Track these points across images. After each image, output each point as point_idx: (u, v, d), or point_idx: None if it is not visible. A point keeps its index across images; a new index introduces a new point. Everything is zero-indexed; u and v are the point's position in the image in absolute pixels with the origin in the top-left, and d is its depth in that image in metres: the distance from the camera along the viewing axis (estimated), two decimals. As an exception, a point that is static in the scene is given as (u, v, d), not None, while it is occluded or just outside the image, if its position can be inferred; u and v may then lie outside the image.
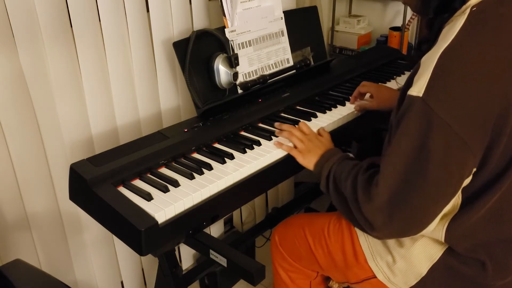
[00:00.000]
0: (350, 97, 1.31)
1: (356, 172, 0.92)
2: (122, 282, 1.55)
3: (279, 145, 1.08)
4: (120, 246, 1.47)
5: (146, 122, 1.39)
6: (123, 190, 0.93)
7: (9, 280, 0.86)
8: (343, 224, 1.08)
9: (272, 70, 1.41)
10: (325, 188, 1.00)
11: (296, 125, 1.14)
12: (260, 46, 1.39)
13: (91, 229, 1.38)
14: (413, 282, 0.97)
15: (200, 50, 1.25)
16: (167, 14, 1.33)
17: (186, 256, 1.73)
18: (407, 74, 0.89)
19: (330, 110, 1.27)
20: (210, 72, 1.28)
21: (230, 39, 1.30)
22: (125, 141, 1.24)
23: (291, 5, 1.61)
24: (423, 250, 0.95)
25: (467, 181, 0.83)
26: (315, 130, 1.14)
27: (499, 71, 0.76)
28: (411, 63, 0.89)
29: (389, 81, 1.48)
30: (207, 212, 0.94)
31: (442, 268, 0.94)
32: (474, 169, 0.82)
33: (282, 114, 1.26)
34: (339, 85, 1.44)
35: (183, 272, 1.34)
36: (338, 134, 1.22)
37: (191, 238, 1.04)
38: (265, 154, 1.05)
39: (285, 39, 1.46)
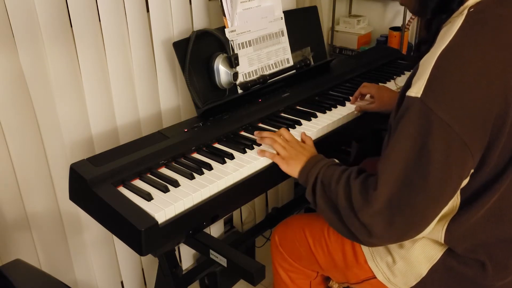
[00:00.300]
0: (351, 98, 1.31)
1: (347, 177, 0.89)
2: (122, 282, 1.55)
3: (262, 153, 1.04)
4: (120, 246, 1.48)
5: (146, 122, 1.39)
6: (123, 190, 0.93)
7: (9, 280, 0.86)
8: (343, 224, 1.08)
9: (272, 70, 1.41)
10: (311, 196, 0.95)
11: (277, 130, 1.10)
12: (260, 46, 1.39)
13: (91, 229, 1.38)
14: (413, 283, 0.97)
15: (200, 50, 1.25)
16: (167, 14, 1.33)
17: (186, 256, 1.74)
18: (407, 74, 0.89)
19: (330, 110, 1.27)
20: (210, 72, 1.28)
21: (230, 39, 1.30)
22: (125, 141, 1.24)
23: (291, 5, 1.61)
24: (423, 251, 0.95)
25: (465, 182, 0.83)
26: (310, 133, 1.13)
27: (498, 71, 0.76)
28: (411, 63, 0.88)
29: (389, 81, 1.48)
30: (207, 212, 0.94)
31: (442, 269, 0.94)
32: (472, 170, 0.82)
33: (282, 114, 1.26)
34: (339, 85, 1.44)
35: (183, 272, 1.34)
36: (338, 134, 1.22)
37: (191, 238, 1.04)
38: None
39: (285, 39, 1.46)
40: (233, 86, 1.31)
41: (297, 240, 1.16)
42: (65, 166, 1.23)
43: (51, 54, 1.14)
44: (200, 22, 1.41)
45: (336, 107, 1.29)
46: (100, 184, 0.92)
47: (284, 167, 1.01)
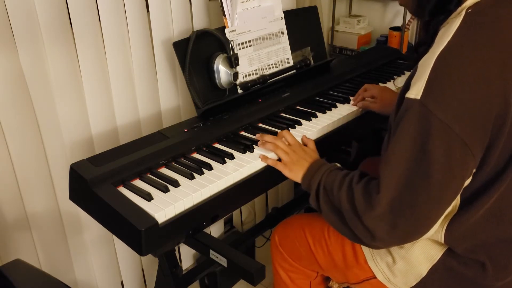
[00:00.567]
0: (351, 98, 1.31)
1: (349, 181, 0.89)
2: (122, 282, 1.55)
3: (264, 158, 1.04)
4: (120, 246, 1.48)
5: (146, 122, 1.39)
6: (123, 190, 0.93)
7: (9, 280, 0.86)
8: (343, 224, 1.08)
9: (272, 70, 1.41)
10: (315, 202, 0.96)
11: (280, 131, 1.09)
12: (260, 46, 1.39)
13: (91, 229, 1.38)
14: (413, 283, 0.97)
15: (200, 50, 1.25)
16: (167, 14, 1.33)
17: (186, 256, 1.74)
18: (407, 74, 0.89)
19: (330, 110, 1.27)
20: (210, 72, 1.28)
21: (230, 39, 1.30)
22: (125, 141, 1.24)
23: (291, 5, 1.61)
24: (423, 251, 0.95)
25: (466, 182, 0.83)
26: (310, 133, 1.13)
27: (497, 71, 0.76)
28: (411, 64, 0.88)
29: (389, 81, 1.48)
30: (207, 212, 0.94)
31: (442, 269, 0.94)
32: (474, 170, 0.82)
33: (282, 114, 1.26)
34: (339, 85, 1.44)
35: (183, 272, 1.34)
36: (338, 134, 1.22)
37: (191, 238, 1.04)
38: (265, 154, 1.05)
39: (285, 39, 1.46)
40: (233, 86, 1.31)
41: (297, 240, 1.16)
42: (65, 166, 1.23)
43: (51, 54, 1.14)
44: (200, 22, 1.41)
45: (336, 107, 1.29)
46: (100, 184, 0.92)
47: (287, 173, 1.01)
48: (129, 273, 1.54)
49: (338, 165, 1.01)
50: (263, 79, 1.36)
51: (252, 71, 1.36)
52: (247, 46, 1.35)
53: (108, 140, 1.32)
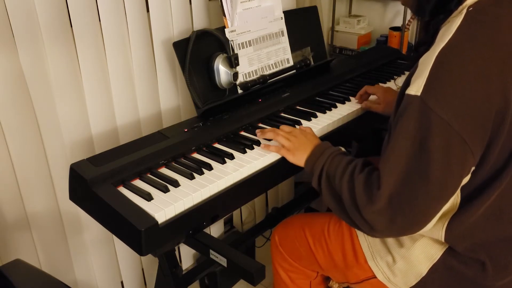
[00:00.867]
0: (352, 98, 1.31)
1: (352, 171, 0.90)
2: (122, 282, 1.55)
3: (267, 146, 1.06)
4: (120, 246, 1.48)
5: (146, 122, 1.39)
6: (123, 190, 0.93)
7: (9, 280, 0.86)
8: (343, 224, 1.08)
9: (272, 70, 1.41)
10: (317, 185, 0.97)
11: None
12: (260, 46, 1.39)
13: (91, 229, 1.38)
14: (413, 282, 0.97)
15: (200, 50, 1.25)
16: (167, 14, 1.33)
17: (186, 256, 1.74)
18: (407, 74, 0.90)
19: (330, 110, 1.27)
20: (210, 72, 1.28)
21: (230, 39, 1.30)
22: (125, 141, 1.24)
23: (291, 5, 1.61)
24: (423, 250, 0.95)
25: (465, 180, 0.83)
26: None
27: (496, 70, 0.77)
28: (411, 64, 0.89)
29: (389, 81, 1.48)
30: (207, 212, 0.94)
31: (442, 268, 0.94)
32: (473, 168, 0.82)
33: (282, 114, 1.26)
34: (339, 85, 1.44)
35: (183, 272, 1.33)
36: (338, 134, 1.22)
37: (191, 238, 1.04)
38: (265, 154, 1.05)
39: (285, 39, 1.46)
40: (233, 86, 1.31)
41: (297, 240, 1.16)
42: (65, 166, 1.23)
43: (51, 54, 1.14)
44: (200, 22, 1.41)
45: (336, 107, 1.29)
46: (100, 184, 0.92)
47: (291, 158, 1.03)
48: (129, 273, 1.54)
49: (343, 149, 1.01)
50: (263, 79, 1.36)
51: (252, 71, 1.36)
52: (247, 46, 1.35)
53: (108, 140, 1.32)
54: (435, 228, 0.89)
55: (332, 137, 1.20)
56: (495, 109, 0.77)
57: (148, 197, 0.89)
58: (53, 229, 1.31)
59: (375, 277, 1.02)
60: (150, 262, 1.59)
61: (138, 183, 0.96)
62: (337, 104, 1.30)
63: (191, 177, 0.96)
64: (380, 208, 0.82)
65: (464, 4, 0.83)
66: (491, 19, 0.80)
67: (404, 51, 1.91)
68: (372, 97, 1.30)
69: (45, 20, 1.10)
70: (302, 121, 1.20)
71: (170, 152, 1.04)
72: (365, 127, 1.37)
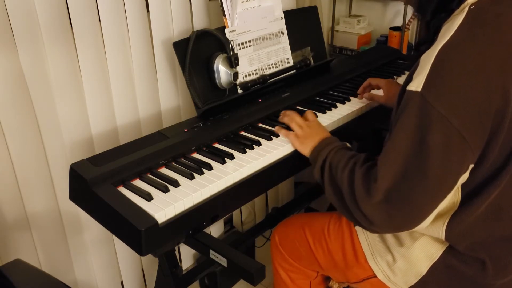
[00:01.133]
0: (358, 91, 1.32)
1: (353, 165, 0.90)
2: (122, 282, 1.55)
3: (278, 129, 1.11)
4: (120, 246, 1.48)
5: (146, 122, 1.39)
6: (123, 190, 0.93)
7: (9, 280, 0.86)
8: (343, 224, 1.08)
9: (272, 70, 1.41)
10: (319, 175, 0.98)
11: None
12: (260, 46, 1.39)
13: (91, 229, 1.38)
14: (413, 282, 0.97)
15: (200, 50, 1.25)
16: (167, 14, 1.33)
17: (186, 256, 1.74)
18: (407, 74, 0.90)
19: (330, 110, 1.27)
20: (210, 72, 1.28)
21: (230, 39, 1.30)
22: (125, 141, 1.24)
23: (291, 5, 1.61)
24: (423, 249, 0.95)
25: (464, 178, 0.83)
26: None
27: (497, 68, 0.77)
28: (411, 63, 0.89)
29: (389, 81, 1.48)
30: (207, 212, 0.94)
31: (442, 267, 0.94)
32: (472, 166, 0.82)
33: (282, 114, 1.26)
34: (339, 85, 1.44)
35: (183, 272, 1.34)
36: (338, 134, 1.21)
37: (191, 238, 1.04)
38: (265, 154, 1.05)
39: (285, 39, 1.46)
40: (233, 86, 1.31)
41: (297, 240, 1.16)
42: (65, 166, 1.23)
43: (51, 54, 1.14)
44: (200, 22, 1.41)
45: (336, 107, 1.29)
46: (100, 184, 0.92)
47: (297, 145, 1.05)
48: (129, 273, 1.54)
49: (348, 145, 1.02)
50: (263, 79, 1.36)
51: (252, 71, 1.36)
52: (247, 46, 1.35)
53: (108, 140, 1.32)
54: (435, 226, 0.90)
55: (332, 137, 1.20)
56: (495, 107, 0.77)
57: (148, 197, 0.89)
58: (53, 229, 1.31)
59: (375, 276, 1.02)
60: (150, 262, 1.59)
61: (138, 183, 0.96)
62: (337, 104, 1.30)
63: (191, 177, 0.96)
64: (378, 202, 0.82)
65: (466, 2, 0.83)
66: (492, 18, 0.80)
67: (404, 51, 1.91)
68: (375, 92, 1.31)
69: (45, 20, 1.10)
70: (310, 111, 1.20)
71: (170, 152, 1.04)
72: (365, 127, 1.37)
